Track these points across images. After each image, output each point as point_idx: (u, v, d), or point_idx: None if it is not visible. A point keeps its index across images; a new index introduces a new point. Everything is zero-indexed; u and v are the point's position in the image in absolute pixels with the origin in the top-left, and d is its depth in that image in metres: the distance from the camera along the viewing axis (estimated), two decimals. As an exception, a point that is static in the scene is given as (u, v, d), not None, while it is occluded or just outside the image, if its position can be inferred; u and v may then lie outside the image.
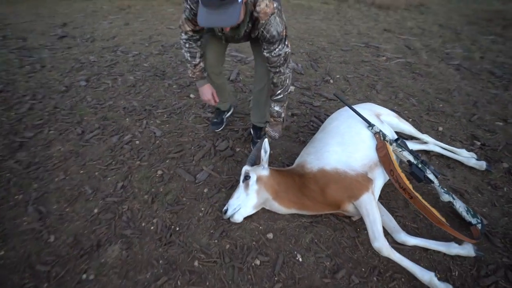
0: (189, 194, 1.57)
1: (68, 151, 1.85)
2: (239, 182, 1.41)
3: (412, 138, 1.89)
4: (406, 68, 3.26)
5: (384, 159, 1.40)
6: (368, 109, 1.70)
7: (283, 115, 1.56)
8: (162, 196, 1.55)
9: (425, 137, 1.84)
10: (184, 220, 1.42)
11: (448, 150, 1.83)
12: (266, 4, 1.20)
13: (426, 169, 1.45)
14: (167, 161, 1.79)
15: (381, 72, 3.14)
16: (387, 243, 1.17)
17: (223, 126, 2.01)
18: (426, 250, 1.28)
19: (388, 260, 1.24)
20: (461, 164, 1.79)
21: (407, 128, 1.78)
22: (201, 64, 1.52)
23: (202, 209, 1.48)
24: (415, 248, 1.29)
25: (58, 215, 1.45)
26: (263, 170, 1.39)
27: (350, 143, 1.45)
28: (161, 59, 3.35)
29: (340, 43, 4.02)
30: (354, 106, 1.72)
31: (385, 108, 1.82)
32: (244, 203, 1.34)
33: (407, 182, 1.31)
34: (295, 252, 1.28)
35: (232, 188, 1.60)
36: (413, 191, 1.29)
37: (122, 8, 5.74)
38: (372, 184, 1.31)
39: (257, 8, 1.20)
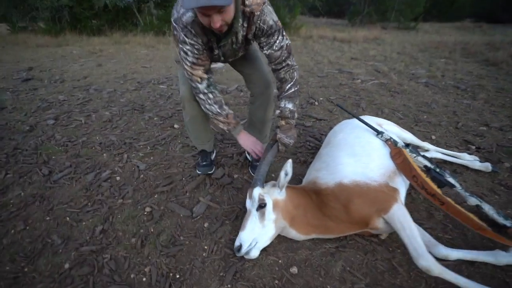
0: (186, 232, 1.30)
1: (30, 195, 1.52)
2: (248, 209, 1.18)
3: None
4: (382, 88, 3.42)
5: (402, 165, 1.29)
6: (369, 120, 1.64)
7: (296, 115, 1.36)
8: (154, 237, 1.26)
9: (426, 144, 1.81)
10: (185, 264, 1.14)
11: (451, 156, 1.80)
12: None
13: (444, 173, 1.37)
14: (155, 196, 1.53)
15: (360, 93, 3.24)
16: (434, 259, 1.00)
17: (214, 168, 1.71)
18: (472, 263, 1.12)
19: (436, 280, 1.05)
20: (466, 168, 1.75)
21: (409, 137, 1.74)
22: (230, 110, 1.31)
23: (206, 247, 1.22)
24: (459, 262, 1.12)
25: (11, 279, 1.09)
26: (280, 194, 1.19)
27: (363, 153, 1.34)
28: (139, 94, 3.19)
29: (315, 71, 4.20)
30: (351, 120, 1.66)
31: (383, 119, 1.78)
32: (260, 236, 1.10)
33: (435, 187, 1.19)
34: (328, 286, 1.05)
35: (237, 219, 1.37)
36: (444, 196, 1.17)
37: (94, 52, 5.66)
38: (399, 194, 1.18)
39: (247, 2, 1.10)
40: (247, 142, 1.37)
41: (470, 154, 1.83)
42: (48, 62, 4.80)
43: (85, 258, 1.16)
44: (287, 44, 1.24)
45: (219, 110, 1.25)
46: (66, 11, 7.07)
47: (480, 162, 1.74)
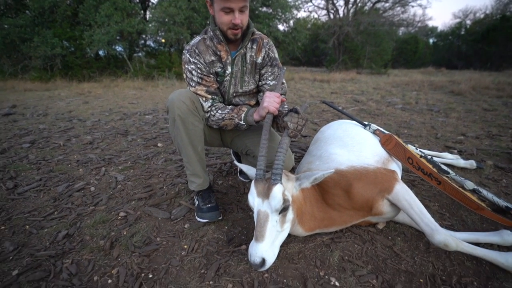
0: (164, 233, 1.15)
1: (-14, 208, 1.34)
2: (263, 212, 0.87)
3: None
4: (363, 112, 3.58)
5: (395, 149, 1.27)
6: (349, 122, 1.65)
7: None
8: (127, 238, 1.11)
9: (409, 146, 1.83)
10: (160, 263, 0.98)
11: (433, 156, 1.80)
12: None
13: (435, 161, 1.35)
14: (132, 203, 1.40)
15: (343, 116, 3.36)
16: (449, 232, 0.92)
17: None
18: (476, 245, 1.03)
19: (444, 263, 0.94)
20: (452, 167, 1.75)
21: (392, 137, 1.76)
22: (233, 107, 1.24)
23: (185, 246, 1.07)
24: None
25: None
26: (296, 187, 0.99)
27: (354, 143, 1.30)
28: (123, 123, 3.16)
29: (299, 102, 4.39)
30: (331, 124, 1.66)
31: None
32: (278, 242, 0.90)
33: (431, 166, 1.16)
34: (327, 276, 0.91)
35: (223, 219, 1.25)
36: (440, 175, 1.13)
37: (82, 93, 5.75)
38: (398, 175, 1.12)
39: (256, 32, 1.26)
40: (264, 109, 1.08)
41: (451, 153, 1.85)
42: (34, 102, 4.80)
43: (39, 263, 0.98)
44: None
45: (227, 110, 1.21)
46: (59, 59, 7.37)
47: (464, 160, 1.76)
